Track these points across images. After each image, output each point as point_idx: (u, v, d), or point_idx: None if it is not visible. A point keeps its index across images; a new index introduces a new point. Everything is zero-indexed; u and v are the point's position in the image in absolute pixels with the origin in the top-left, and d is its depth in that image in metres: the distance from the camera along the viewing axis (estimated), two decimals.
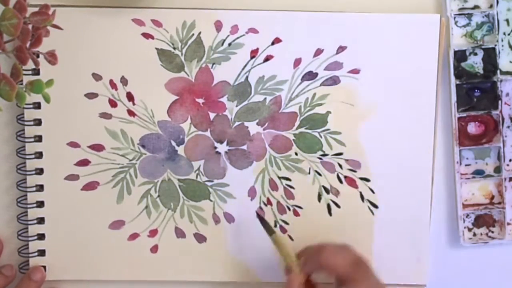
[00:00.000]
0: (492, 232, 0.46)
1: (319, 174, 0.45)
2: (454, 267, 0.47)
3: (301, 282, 0.40)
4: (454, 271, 0.47)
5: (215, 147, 0.45)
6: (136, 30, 0.44)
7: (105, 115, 0.45)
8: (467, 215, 0.46)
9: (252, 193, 0.45)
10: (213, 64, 0.45)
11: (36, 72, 0.44)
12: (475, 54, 0.45)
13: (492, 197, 0.47)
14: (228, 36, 0.44)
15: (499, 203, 0.46)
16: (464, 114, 0.46)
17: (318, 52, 0.45)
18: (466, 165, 0.46)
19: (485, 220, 0.46)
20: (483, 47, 0.45)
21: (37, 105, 0.44)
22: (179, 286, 0.46)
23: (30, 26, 0.36)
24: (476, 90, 0.46)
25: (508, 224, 0.46)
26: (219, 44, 0.45)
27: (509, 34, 0.45)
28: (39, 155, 0.45)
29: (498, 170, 0.46)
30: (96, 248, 0.45)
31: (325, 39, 0.45)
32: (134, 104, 0.45)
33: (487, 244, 0.46)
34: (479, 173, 0.46)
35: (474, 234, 0.47)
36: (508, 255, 0.46)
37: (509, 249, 0.46)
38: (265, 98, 0.45)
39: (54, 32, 0.37)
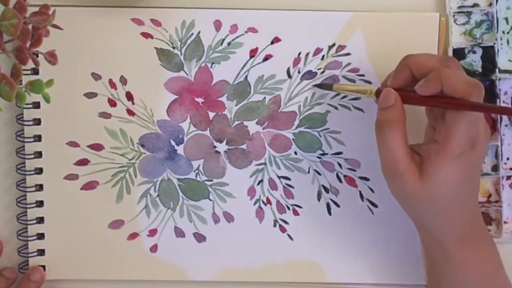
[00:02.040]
0: (489, 230, 0.46)
1: (319, 174, 0.45)
2: None
3: (396, 94, 0.38)
4: None
5: (215, 147, 0.45)
6: (136, 30, 0.44)
7: (104, 115, 0.45)
8: None
9: (251, 192, 0.46)
10: (213, 63, 0.45)
11: (36, 72, 0.43)
12: (474, 52, 0.45)
13: (489, 196, 0.47)
14: (228, 35, 0.45)
15: (496, 201, 0.46)
16: None
17: (317, 51, 0.45)
18: None
19: None
20: (482, 45, 0.45)
21: (37, 105, 0.44)
22: (179, 285, 0.46)
23: (30, 26, 0.36)
24: None
25: (505, 222, 0.46)
26: (219, 44, 0.45)
27: (508, 33, 0.45)
28: (38, 154, 0.45)
29: (495, 168, 0.46)
30: (96, 247, 0.45)
31: (325, 38, 0.45)
32: (133, 103, 0.45)
33: None
34: None
35: None
36: (505, 254, 0.45)
37: (506, 247, 0.46)
38: (265, 98, 0.45)
39: (54, 32, 0.37)
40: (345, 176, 0.46)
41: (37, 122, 0.44)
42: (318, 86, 0.44)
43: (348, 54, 0.45)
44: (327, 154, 0.45)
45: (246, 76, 0.45)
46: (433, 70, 0.37)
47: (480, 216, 0.40)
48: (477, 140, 0.36)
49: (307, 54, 0.45)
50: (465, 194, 0.38)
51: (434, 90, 0.36)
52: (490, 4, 0.45)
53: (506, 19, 0.45)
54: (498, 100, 0.46)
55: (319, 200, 0.46)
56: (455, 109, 0.36)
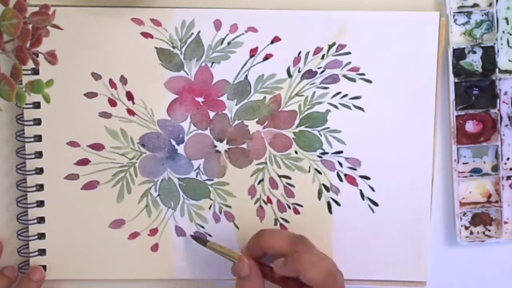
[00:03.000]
0: (489, 230, 0.47)
1: (319, 173, 0.46)
2: (451, 266, 0.47)
3: (250, 262, 0.40)
4: (450, 270, 0.47)
5: (215, 146, 0.45)
6: (136, 30, 0.44)
7: (104, 115, 0.45)
8: (464, 214, 0.47)
9: (252, 191, 0.46)
10: (213, 63, 0.45)
11: (36, 72, 0.43)
12: (474, 52, 0.46)
13: (489, 196, 0.47)
14: (228, 35, 0.44)
15: (496, 201, 0.47)
16: (462, 113, 0.46)
17: (318, 50, 0.45)
18: (463, 163, 0.47)
19: (482, 219, 0.47)
20: (482, 45, 0.45)
21: (37, 105, 0.44)
22: (180, 285, 0.46)
23: (30, 26, 0.36)
24: (474, 89, 0.46)
25: (505, 223, 0.47)
26: (219, 43, 0.45)
27: (508, 33, 0.45)
28: (39, 154, 0.45)
29: (495, 168, 0.46)
30: (97, 247, 0.45)
31: (324, 37, 0.45)
32: (133, 103, 0.45)
33: (484, 242, 0.46)
34: (476, 171, 0.47)
35: (471, 233, 0.47)
36: (505, 254, 0.46)
37: (505, 248, 0.46)
38: (265, 97, 0.45)
39: (54, 32, 0.37)
40: (345, 175, 0.46)
41: (37, 122, 0.44)
42: (194, 238, 0.45)
43: (348, 53, 0.45)
44: (327, 153, 0.45)
45: (246, 76, 0.45)
46: (284, 253, 0.39)
47: None
48: None
49: (307, 53, 0.45)
50: None
51: (289, 274, 0.39)
52: (490, 4, 0.45)
53: (506, 19, 0.45)
54: (498, 100, 0.46)
55: (319, 199, 0.46)
56: None
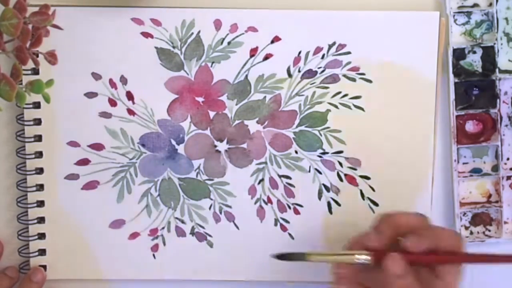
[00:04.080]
0: (489, 230, 0.47)
1: (319, 172, 0.46)
2: None
3: (401, 260, 0.35)
4: None
5: (215, 146, 0.45)
6: (136, 29, 0.44)
7: (105, 114, 0.45)
8: (464, 214, 0.47)
9: (252, 191, 0.46)
10: (213, 62, 0.45)
11: (36, 72, 0.43)
12: (474, 52, 0.46)
13: (490, 196, 0.47)
14: (228, 34, 0.44)
15: (496, 201, 0.47)
16: (462, 112, 0.46)
17: (318, 50, 0.45)
18: (463, 163, 0.47)
19: (482, 219, 0.47)
20: (482, 45, 0.45)
21: (37, 105, 0.44)
22: (180, 285, 0.46)
23: (30, 26, 0.36)
24: (474, 89, 0.46)
25: (505, 223, 0.47)
26: (219, 43, 0.44)
27: (508, 33, 0.45)
28: (39, 154, 0.44)
29: (495, 168, 0.46)
30: (97, 247, 0.45)
31: (324, 37, 0.45)
32: (133, 103, 0.45)
33: (484, 242, 0.46)
34: (476, 171, 0.47)
35: (471, 233, 0.47)
36: None
37: (505, 248, 0.46)
38: (265, 97, 0.45)
39: (54, 32, 0.37)
40: (345, 175, 0.46)
41: (38, 122, 0.44)
42: (288, 257, 0.39)
43: (348, 52, 0.45)
44: (327, 153, 0.45)
45: (247, 75, 0.45)
46: (417, 229, 0.36)
47: None
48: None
49: (307, 53, 0.45)
50: None
51: (430, 246, 0.35)
52: (490, 4, 0.45)
53: (506, 19, 0.45)
54: (498, 100, 0.46)
55: (320, 199, 0.46)
56: (463, 262, 0.36)
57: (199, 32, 0.44)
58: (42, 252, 0.45)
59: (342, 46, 0.45)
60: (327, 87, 0.45)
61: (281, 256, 0.39)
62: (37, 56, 0.37)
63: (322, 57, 0.45)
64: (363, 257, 0.36)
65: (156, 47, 0.44)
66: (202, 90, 0.45)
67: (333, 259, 0.38)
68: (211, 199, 0.46)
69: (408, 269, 0.35)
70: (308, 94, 0.45)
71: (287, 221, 0.46)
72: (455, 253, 0.36)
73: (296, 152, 0.45)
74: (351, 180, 0.46)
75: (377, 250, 0.37)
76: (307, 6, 0.45)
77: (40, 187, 0.45)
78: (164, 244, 0.46)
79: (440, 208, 0.47)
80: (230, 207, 0.46)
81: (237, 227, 0.46)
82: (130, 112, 0.45)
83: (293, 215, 0.46)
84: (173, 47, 0.44)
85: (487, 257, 0.37)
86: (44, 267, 0.45)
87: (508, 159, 0.46)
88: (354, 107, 0.45)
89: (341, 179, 0.46)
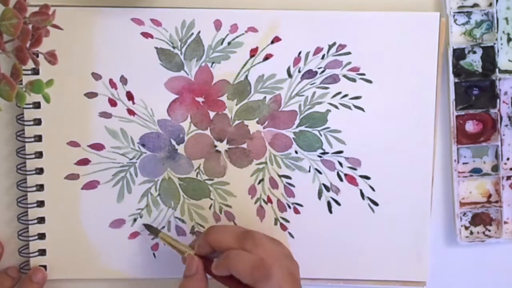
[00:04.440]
0: (489, 230, 0.47)
1: (319, 172, 0.46)
2: (451, 266, 0.47)
3: (198, 263, 0.40)
4: (450, 270, 0.47)
5: (215, 146, 0.45)
6: (136, 30, 0.44)
7: (105, 114, 0.45)
8: (464, 214, 0.47)
9: (252, 191, 0.46)
10: (213, 63, 0.45)
11: (36, 72, 0.43)
12: (474, 52, 0.46)
13: (489, 196, 0.47)
14: (228, 35, 0.44)
15: (496, 201, 0.47)
16: (463, 112, 0.46)
17: (318, 50, 0.45)
18: (463, 163, 0.47)
19: (482, 219, 0.47)
20: (482, 45, 0.45)
21: (37, 105, 0.44)
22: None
23: (30, 26, 0.36)
24: (474, 89, 0.46)
25: (505, 223, 0.47)
26: (219, 43, 0.45)
27: (508, 33, 0.45)
28: (39, 154, 0.44)
29: (495, 168, 0.46)
30: (97, 247, 0.45)
31: (325, 37, 0.45)
32: (134, 103, 0.45)
33: (484, 242, 0.46)
34: (476, 171, 0.47)
35: (471, 233, 0.47)
36: (505, 254, 0.46)
37: (505, 248, 0.46)
38: (265, 97, 0.45)
39: (54, 32, 0.37)
40: (345, 174, 0.46)
41: (38, 122, 0.44)
42: (146, 227, 0.45)
43: (348, 53, 0.45)
44: (327, 153, 0.45)
45: (247, 76, 0.45)
46: (230, 248, 0.39)
47: None
48: None
49: (308, 53, 0.45)
50: None
51: (224, 273, 0.39)
52: (490, 4, 0.45)
53: (506, 19, 0.45)
54: (498, 100, 0.46)
55: (319, 198, 0.46)
56: None
57: (199, 32, 0.44)
58: (42, 252, 0.45)
59: (342, 46, 0.45)
60: (327, 88, 0.45)
61: (146, 225, 0.45)
62: (37, 56, 0.37)
63: (322, 58, 0.45)
64: (187, 255, 0.41)
65: (156, 47, 0.44)
66: (202, 90, 0.45)
67: (172, 246, 0.43)
68: (211, 199, 0.46)
69: (201, 274, 0.40)
70: (308, 94, 0.45)
71: (287, 221, 0.46)
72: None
73: (296, 152, 0.45)
74: (351, 180, 0.46)
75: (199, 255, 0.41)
76: (307, 6, 0.45)
77: (40, 187, 0.45)
78: (164, 243, 0.46)
79: (440, 208, 0.47)
80: (230, 207, 0.46)
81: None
82: (130, 112, 0.45)
83: (293, 214, 0.46)
84: (173, 47, 0.44)
85: None
86: (44, 267, 0.45)
87: (508, 159, 0.46)
88: (354, 107, 0.45)
89: (341, 179, 0.46)
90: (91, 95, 0.45)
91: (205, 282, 0.40)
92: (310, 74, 0.45)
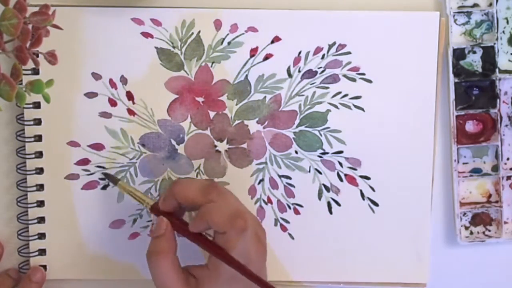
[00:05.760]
0: (489, 230, 0.47)
1: (319, 172, 0.46)
2: (451, 266, 0.47)
3: (167, 222, 0.39)
4: (450, 270, 0.47)
5: (215, 146, 0.45)
6: (136, 29, 0.44)
7: (105, 114, 0.45)
8: (464, 214, 0.47)
9: (252, 191, 0.46)
10: (213, 62, 0.45)
11: (36, 72, 0.43)
12: (474, 52, 0.46)
13: (489, 196, 0.47)
14: (228, 35, 0.44)
15: (496, 201, 0.47)
16: (462, 112, 0.46)
17: (318, 50, 0.45)
18: (463, 163, 0.47)
19: (482, 219, 0.47)
20: (482, 45, 0.45)
21: (37, 105, 0.44)
22: None
23: (30, 26, 0.36)
24: (474, 89, 0.46)
25: (505, 223, 0.47)
26: (219, 43, 0.45)
27: (508, 33, 0.45)
28: (39, 154, 0.44)
29: (495, 168, 0.46)
30: (97, 247, 0.45)
31: (325, 37, 0.45)
32: (134, 103, 0.45)
33: (484, 242, 0.46)
34: (476, 171, 0.47)
35: (471, 233, 0.47)
36: (505, 254, 0.46)
37: (505, 248, 0.46)
38: (265, 97, 0.45)
39: (54, 32, 0.37)
40: (346, 175, 0.46)
41: (38, 122, 0.44)
42: (105, 175, 0.44)
43: (348, 53, 0.45)
44: (327, 153, 0.45)
45: (247, 75, 0.45)
46: (196, 203, 0.39)
47: None
48: (248, 263, 0.37)
49: (308, 53, 0.45)
50: None
51: (203, 227, 0.38)
52: (490, 4, 0.45)
53: (506, 19, 0.45)
54: (498, 100, 0.46)
55: (320, 199, 0.46)
56: (215, 256, 0.38)
57: (199, 32, 0.44)
58: (42, 252, 0.45)
59: (342, 46, 0.45)
60: (327, 87, 0.45)
61: (105, 174, 0.44)
62: (37, 56, 0.37)
63: (322, 57, 0.45)
64: (147, 205, 0.41)
65: (156, 47, 0.44)
66: (202, 90, 0.45)
67: (132, 195, 0.42)
68: None
69: (170, 232, 0.39)
70: (308, 94, 0.45)
71: (287, 221, 0.46)
72: (219, 249, 0.38)
73: (296, 152, 0.45)
74: (351, 180, 0.46)
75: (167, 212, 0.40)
76: (307, 6, 0.45)
77: (40, 187, 0.45)
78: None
79: (440, 208, 0.47)
80: None
81: None
82: (130, 112, 0.45)
83: (293, 215, 0.46)
84: (173, 47, 0.44)
85: (243, 269, 0.37)
86: (44, 267, 0.45)
87: (508, 159, 0.46)
88: (354, 107, 0.45)
89: (341, 179, 0.46)
90: (91, 95, 0.44)
91: (175, 241, 0.40)
92: (310, 74, 0.45)
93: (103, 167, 0.45)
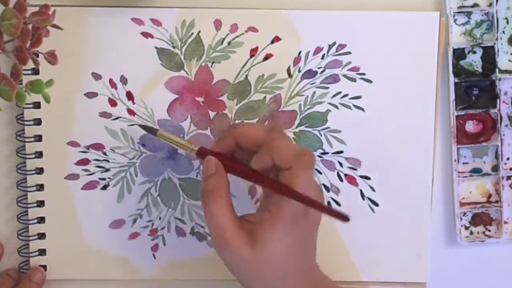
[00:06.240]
0: (489, 231, 0.47)
1: (320, 172, 0.46)
2: (451, 266, 0.47)
3: (216, 161, 0.38)
4: (450, 270, 0.47)
5: None
6: (136, 29, 0.44)
7: (105, 114, 0.45)
8: (464, 214, 0.47)
9: (252, 191, 0.46)
10: (213, 62, 0.45)
11: (36, 72, 0.43)
12: (474, 52, 0.46)
13: (489, 196, 0.47)
14: (228, 34, 0.44)
15: (496, 201, 0.47)
16: (463, 113, 0.46)
17: (318, 50, 0.45)
18: (463, 163, 0.47)
19: (482, 219, 0.47)
20: (482, 45, 0.45)
21: (37, 105, 0.44)
22: (180, 285, 0.46)
23: (30, 26, 0.36)
24: (474, 89, 0.46)
25: (505, 223, 0.47)
26: (219, 43, 0.45)
27: (508, 33, 0.45)
28: (39, 154, 0.44)
29: (495, 168, 0.47)
30: (97, 247, 0.45)
31: (325, 37, 0.45)
32: (134, 103, 0.45)
33: (484, 242, 0.46)
34: (476, 171, 0.47)
35: (471, 233, 0.47)
36: (505, 254, 0.46)
37: (505, 248, 0.46)
38: (265, 97, 0.45)
39: (54, 32, 0.37)
40: (346, 175, 0.46)
41: (38, 122, 0.44)
42: (143, 127, 0.43)
43: (348, 53, 0.45)
44: (327, 153, 0.45)
45: (247, 75, 0.45)
46: (259, 142, 0.37)
47: (321, 282, 0.39)
48: (309, 208, 0.36)
49: (308, 53, 0.45)
50: (300, 262, 0.37)
51: (266, 164, 0.37)
52: (490, 4, 0.45)
53: (506, 19, 0.45)
54: (498, 100, 0.46)
55: None
56: (280, 193, 0.36)
57: (199, 32, 0.44)
58: (42, 252, 0.45)
59: (342, 46, 0.45)
60: (327, 87, 0.45)
61: (142, 126, 0.43)
62: (37, 56, 0.37)
63: (322, 57, 0.45)
64: (192, 151, 0.40)
65: (156, 47, 0.44)
66: (202, 90, 0.45)
67: (175, 143, 0.41)
68: None
69: (221, 172, 0.38)
70: (308, 94, 0.45)
71: None
72: (284, 186, 0.35)
73: None
74: (351, 180, 0.46)
75: (217, 153, 0.39)
76: (307, 6, 0.45)
77: (40, 187, 0.45)
78: (164, 244, 0.46)
79: (440, 208, 0.47)
80: None
81: None
82: (130, 112, 0.45)
83: None
84: (173, 47, 0.44)
85: (303, 199, 0.35)
86: (44, 267, 0.45)
87: (508, 159, 0.46)
88: (354, 107, 0.45)
89: (341, 179, 0.46)
90: (91, 95, 0.44)
91: (227, 178, 0.38)
92: (310, 74, 0.45)
93: (103, 167, 0.45)
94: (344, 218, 0.34)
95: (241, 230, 0.36)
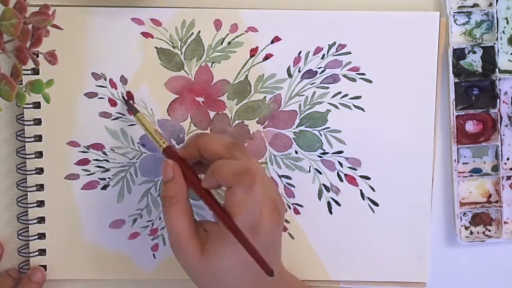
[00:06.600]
0: (489, 231, 0.47)
1: (320, 172, 0.46)
2: (451, 266, 0.47)
3: (173, 165, 0.38)
4: (450, 270, 0.47)
5: None
6: (136, 29, 0.44)
7: (105, 114, 0.45)
8: (464, 214, 0.47)
9: None
10: (213, 62, 0.45)
11: (36, 72, 0.43)
12: (474, 52, 0.46)
13: (489, 196, 0.47)
14: (228, 34, 0.44)
15: (496, 201, 0.47)
16: (462, 113, 0.46)
17: (318, 50, 0.45)
18: (463, 163, 0.47)
19: (482, 219, 0.47)
20: (482, 45, 0.45)
21: (37, 105, 0.44)
22: (180, 285, 0.46)
23: (30, 26, 0.36)
24: (474, 89, 0.46)
25: (505, 223, 0.47)
26: (219, 43, 0.45)
27: (508, 33, 0.45)
28: (39, 154, 0.44)
29: (495, 168, 0.47)
30: (97, 247, 0.45)
31: (325, 37, 0.45)
32: (134, 103, 0.45)
33: (484, 242, 0.46)
34: (476, 171, 0.47)
35: (471, 233, 0.47)
36: (505, 254, 0.46)
37: (505, 248, 0.46)
38: (265, 97, 0.45)
39: (54, 32, 0.37)
40: (346, 175, 0.46)
41: (38, 122, 0.44)
42: (126, 102, 0.44)
43: (348, 53, 0.45)
44: (327, 153, 0.46)
45: (247, 75, 0.45)
46: (218, 157, 0.37)
47: (290, 284, 0.39)
48: (258, 228, 0.36)
49: (308, 53, 0.45)
50: (251, 277, 0.37)
51: (213, 184, 0.37)
52: (490, 4, 0.45)
53: (506, 19, 0.45)
54: (498, 100, 0.46)
55: (320, 199, 0.46)
56: (220, 220, 0.36)
57: (199, 32, 0.44)
58: (42, 252, 0.45)
59: (342, 46, 0.45)
60: (327, 87, 0.45)
61: (125, 100, 0.43)
62: (37, 56, 0.37)
63: (322, 57, 0.45)
64: (159, 147, 0.40)
65: (156, 47, 0.44)
66: (202, 90, 0.45)
67: (148, 133, 0.41)
68: None
69: (179, 178, 0.38)
70: (308, 94, 0.45)
71: (287, 221, 0.46)
72: (224, 213, 0.36)
73: (296, 152, 0.45)
74: (351, 180, 0.46)
75: (181, 158, 0.39)
76: (307, 6, 0.45)
77: (40, 187, 0.45)
78: (165, 243, 0.46)
79: (440, 208, 0.47)
80: None
81: None
82: (130, 112, 0.45)
83: (293, 215, 0.46)
84: (173, 47, 0.44)
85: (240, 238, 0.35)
86: (44, 267, 0.45)
87: (508, 159, 0.46)
88: (354, 107, 0.45)
89: (341, 179, 0.46)
90: (91, 95, 0.44)
91: (185, 185, 0.38)
92: (310, 74, 0.45)
93: (103, 167, 0.45)
94: (268, 271, 0.34)
95: (195, 238, 0.37)
